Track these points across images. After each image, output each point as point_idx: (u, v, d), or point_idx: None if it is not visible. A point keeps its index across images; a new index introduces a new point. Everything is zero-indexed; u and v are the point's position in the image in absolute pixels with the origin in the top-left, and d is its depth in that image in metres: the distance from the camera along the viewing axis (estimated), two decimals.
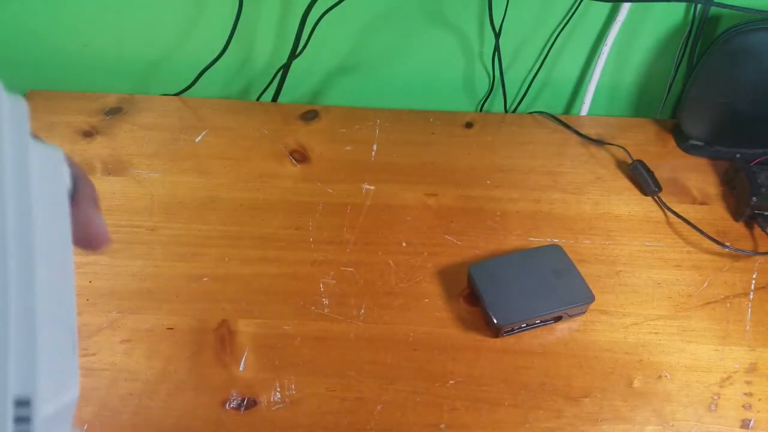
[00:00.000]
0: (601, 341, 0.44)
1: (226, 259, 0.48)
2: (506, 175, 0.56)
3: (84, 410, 0.39)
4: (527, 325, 0.44)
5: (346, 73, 0.64)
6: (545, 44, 0.60)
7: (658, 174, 0.55)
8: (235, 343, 0.43)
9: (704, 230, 0.50)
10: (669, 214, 0.52)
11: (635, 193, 0.55)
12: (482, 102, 0.66)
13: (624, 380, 0.42)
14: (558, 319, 0.44)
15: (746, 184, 0.51)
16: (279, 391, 0.41)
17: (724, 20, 0.57)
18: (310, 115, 0.61)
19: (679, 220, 0.52)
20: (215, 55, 0.61)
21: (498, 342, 0.43)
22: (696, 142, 0.58)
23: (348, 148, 0.58)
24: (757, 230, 0.51)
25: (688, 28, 0.57)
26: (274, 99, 0.64)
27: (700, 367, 0.43)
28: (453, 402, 0.40)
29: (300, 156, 0.57)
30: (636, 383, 0.42)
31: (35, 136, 0.16)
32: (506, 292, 0.43)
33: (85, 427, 0.38)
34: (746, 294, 0.47)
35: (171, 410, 0.39)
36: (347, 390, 0.41)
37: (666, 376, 0.42)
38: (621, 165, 0.57)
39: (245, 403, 0.40)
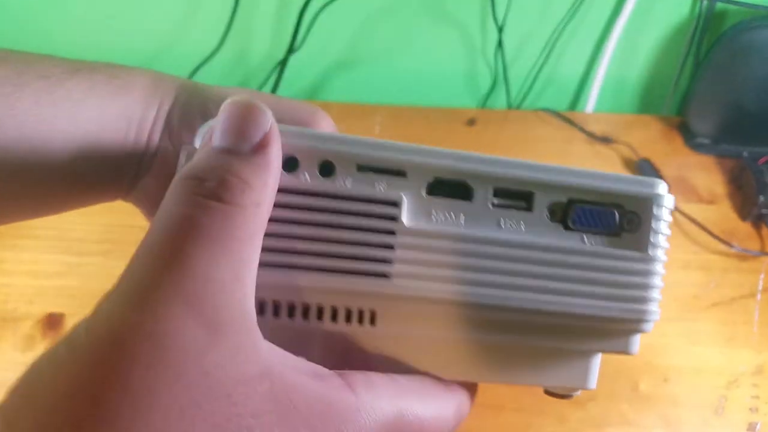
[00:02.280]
0: None
1: None
2: None
3: None
4: None
5: (345, 69, 0.63)
6: (549, 39, 0.59)
7: (664, 172, 0.54)
8: None
9: (711, 230, 0.50)
10: (675, 213, 0.52)
11: None
12: (485, 98, 0.65)
13: (630, 383, 0.41)
14: None
15: (753, 183, 0.50)
16: None
17: (730, 16, 0.56)
18: None
19: (686, 220, 0.51)
20: (211, 50, 0.59)
21: None
22: (703, 140, 0.57)
23: None
24: (765, 230, 0.51)
25: (694, 23, 0.56)
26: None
27: (706, 370, 0.42)
28: None
29: None
30: (642, 386, 0.41)
31: None
32: None
33: None
34: (753, 295, 0.46)
35: None
36: None
37: (672, 378, 0.42)
38: (627, 163, 0.56)
39: None
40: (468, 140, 0.58)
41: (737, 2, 0.53)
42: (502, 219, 0.15)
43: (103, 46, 0.62)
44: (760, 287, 0.47)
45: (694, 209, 0.52)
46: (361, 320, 0.15)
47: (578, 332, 0.16)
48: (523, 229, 0.15)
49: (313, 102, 0.61)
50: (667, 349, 0.43)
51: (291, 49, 0.59)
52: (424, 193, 0.15)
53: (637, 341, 0.16)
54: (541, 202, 0.15)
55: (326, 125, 0.20)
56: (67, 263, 0.46)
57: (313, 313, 0.15)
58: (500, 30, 0.58)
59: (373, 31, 0.60)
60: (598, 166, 0.57)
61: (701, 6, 0.55)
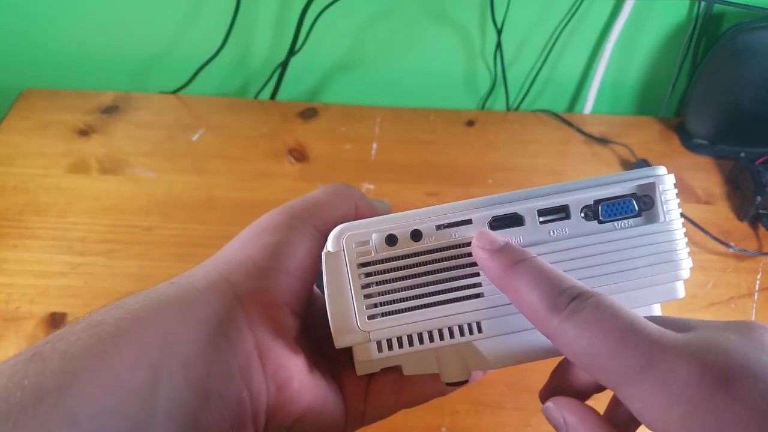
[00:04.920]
0: None
1: None
2: (508, 174, 0.55)
3: None
4: None
5: (345, 71, 0.64)
6: (548, 41, 0.60)
7: None
8: None
9: (708, 230, 0.50)
10: None
11: None
12: (484, 100, 0.65)
13: None
14: None
15: (750, 183, 0.51)
16: None
17: (728, 17, 0.56)
18: (308, 113, 0.61)
19: (684, 220, 0.51)
20: (213, 52, 0.60)
21: None
22: (700, 141, 0.57)
23: (347, 146, 0.57)
24: (762, 230, 0.51)
25: (692, 25, 0.56)
26: (273, 97, 0.63)
27: None
28: (454, 405, 0.40)
29: (299, 155, 0.57)
30: None
31: None
32: None
33: None
34: (751, 295, 0.47)
35: None
36: None
37: None
38: (625, 164, 0.57)
39: None
40: (467, 141, 0.58)
41: (735, 3, 0.53)
42: (550, 230, 0.20)
43: (104, 48, 0.62)
44: (758, 287, 0.47)
45: (691, 210, 0.52)
46: (471, 331, 0.20)
47: (637, 292, 0.20)
48: (568, 233, 0.20)
49: (313, 103, 0.62)
50: None
51: (292, 52, 0.59)
52: (488, 229, 0.20)
53: (682, 287, 0.21)
54: (576, 209, 0.20)
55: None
56: (70, 263, 0.47)
57: (436, 335, 0.20)
58: (499, 32, 0.58)
59: (373, 33, 0.60)
60: (595, 167, 0.57)
61: (699, 8, 0.55)
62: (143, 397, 0.15)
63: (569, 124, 0.60)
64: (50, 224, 0.49)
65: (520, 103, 0.65)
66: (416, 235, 0.19)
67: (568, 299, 0.16)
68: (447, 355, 0.20)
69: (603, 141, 0.58)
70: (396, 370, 0.21)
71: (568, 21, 0.57)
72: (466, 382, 0.21)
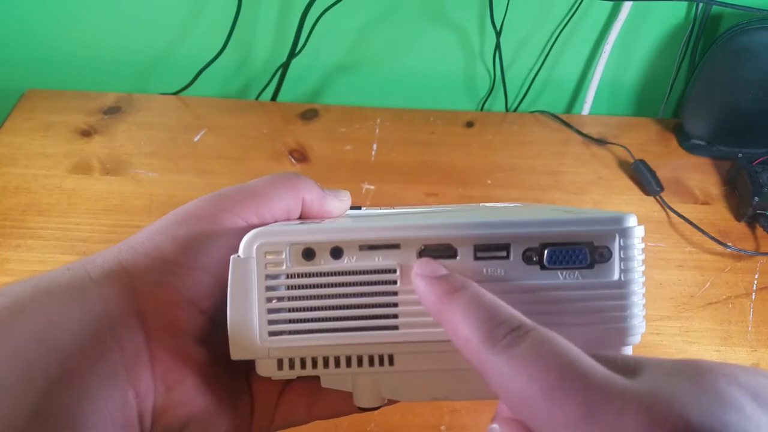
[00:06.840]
0: None
1: None
2: (507, 174, 0.56)
3: None
4: None
5: (345, 72, 0.64)
6: (546, 43, 0.60)
7: (660, 174, 0.55)
8: None
9: (706, 230, 0.50)
10: (671, 214, 0.52)
11: (637, 193, 0.54)
12: (483, 101, 0.65)
13: None
14: None
15: (748, 183, 0.51)
16: None
17: (726, 19, 0.56)
18: (309, 114, 0.61)
19: (681, 220, 0.51)
20: (214, 54, 0.60)
21: None
22: (698, 142, 0.58)
23: (348, 147, 0.58)
24: (759, 230, 0.51)
25: (690, 26, 0.57)
26: (274, 98, 0.64)
27: None
28: (453, 404, 0.40)
29: (299, 155, 0.57)
30: None
31: None
32: None
33: None
34: (748, 294, 0.47)
35: None
36: None
37: None
38: (623, 165, 0.57)
39: None
40: (466, 142, 0.59)
41: (733, 5, 0.54)
42: (485, 268, 0.18)
43: (106, 50, 0.63)
44: (755, 287, 0.47)
45: (689, 210, 0.52)
46: (382, 363, 0.18)
47: None
48: (503, 274, 0.18)
49: (314, 104, 0.62)
50: (663, 348, 0.44)
51: (293, 53, 0.60)
52: (415, 257, 0.18)
53: (630, 351, 0.18)
54: (517, 250, 0.18)
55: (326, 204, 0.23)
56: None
57: (343, 361, 0.18)
58: (498, 34, 0.58)
59: (373, 35, 0.60)
60: (594, 168, 0.58)
61: (697, 9, 0.55)
62: (16, 396, 0.14)
63: (568, 125, 0.60)
64: (53, 224, 0.50)
65: (519, 104, 0.65)
66: (337, 253, 0.18)
67: (506, 331, 0.15)
68: (361, 379, 0.19)
69: (601, 142, 0.59)
70: (314, 378, 0.20)
71: (567, 22, 0.58)
72: (380, 407, 0.20)
